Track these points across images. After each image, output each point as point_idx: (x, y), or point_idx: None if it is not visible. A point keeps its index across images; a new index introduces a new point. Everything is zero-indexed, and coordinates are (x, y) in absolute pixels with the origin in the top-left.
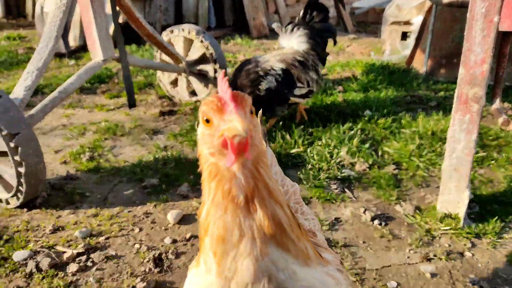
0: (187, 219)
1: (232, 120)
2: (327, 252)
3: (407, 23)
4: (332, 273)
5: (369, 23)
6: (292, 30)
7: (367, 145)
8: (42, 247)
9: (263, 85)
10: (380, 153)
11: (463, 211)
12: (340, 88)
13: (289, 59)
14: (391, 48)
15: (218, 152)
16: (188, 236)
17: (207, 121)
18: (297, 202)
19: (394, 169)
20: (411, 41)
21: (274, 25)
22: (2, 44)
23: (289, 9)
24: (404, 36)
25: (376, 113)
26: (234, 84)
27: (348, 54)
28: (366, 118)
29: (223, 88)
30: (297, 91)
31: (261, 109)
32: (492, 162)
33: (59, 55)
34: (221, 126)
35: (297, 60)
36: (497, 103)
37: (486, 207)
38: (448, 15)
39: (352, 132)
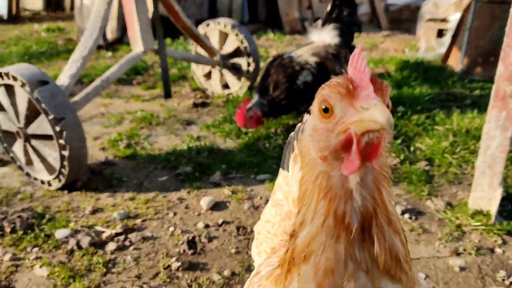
0: (219, 206)
1: (369, 108)
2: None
3: (444, 20)
4: None
5: (404, 21)
6: (323, 24)
7: (399, 141)
8: (82, 226)
9: (301, 79)
10: (412, 149)
11: (495, 208)
12: None
13: (322, 52)
14: (427, 45)
15: (334, 155)
16: (220, 222)
17: (326, 110)
18: None
19: (426, 165)
20: (447, 38)
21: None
22: (42, 36)
23: (322, 4)
24: (440, 33)
25: (409, 109)
26: (267, 79)
27: (382, 51)
28: (399, 114)
29: (359, 66)
30: None
31: (300, 104)
32: None
33: (97, 47)
34: (348, 117)
35: (330, 53)
36: None
37: None
38: (487, 12)
39: None
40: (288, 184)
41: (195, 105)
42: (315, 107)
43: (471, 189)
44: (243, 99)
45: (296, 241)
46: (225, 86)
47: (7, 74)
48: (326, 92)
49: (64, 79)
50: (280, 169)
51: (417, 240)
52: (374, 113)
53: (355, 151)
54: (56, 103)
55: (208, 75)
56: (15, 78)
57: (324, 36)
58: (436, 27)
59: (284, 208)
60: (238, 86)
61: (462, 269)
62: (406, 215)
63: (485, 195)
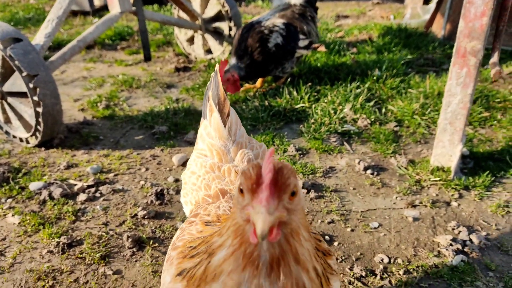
0: None
1: (258, 214)
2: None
3: None
4: None
5: None
6: None
7: (371, 103)
8: (55, 179)
9: (272, 42)
10: (383, 111)
11: (455, 164)
12: (354, 49)
13: (289, 13)
14: (412, 12)
15: (247, 222)
16: None
17: (241, 191)
18: None
19: (395, 126)
20: (432, 5)
21: None
22: (30, 3)
23: None
24: (427, 0)
25: (385, 73)
26: (242, 44)
27: (369, 18)
28: (375, 78)
29: (265, 168)
30: (301, 43)
31: (272, 65)
32: (495, 122)
33: (83, 13)
34: (248, 208)
35: (296, 13)
36: (495, 57)
37: (480, 164)
38: None
39: (359, 90)
40: (209, 134)
41: (177, 69)
42: (236, 185)
43: (433, 146)
44: (221, 61)
45: (213, 259)
46: (208, 51)
47: None
48: (242, 180)
49: (39, 38)
50: (202, 119)
51: (376, 193)
52: (257, 221)
53: (251, 232)
54: (29, 60)
55: (191, 40)
56: None
57: None
58: None
59: (209, 160)
60: (220, 51)
61: (415, 219)
62: (369, 171)
63: (445, 152)
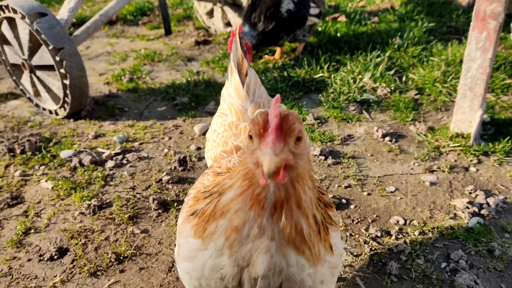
0: None
1: (265, 155)
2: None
3: None
4: (329, 269)
5: None
6: None
7: (391, 72)
8: (85, 148)
9: (284, 8)
10: (404, 79)
11: (474, 129)
12: (376, 18)
13: None
14: None
15: (256, 165)
16: None
17: (250, 137)
18: None
19: (416, 94)
20: None
21: None
22: None
23: None
24: None
25: (406, 42)
26: (255, 11)
27: None
28: (396, 47)
29: (272, 114)
30: (312, 11)
31: (284, 32)
32: None
33: None
34: (257, 152)
35: None
36: None
37: (501, 130)
38: None
39: (379, 59)
40: (229, 94)
41: (197, 42)
42: (247, 132)
43: (453, 113)
44: (236, 27)
45: (222, 198)
46: (228, 24)
47: (7, 7)
48: (250, 127)
49: (63, 13)
50: (226, 81)
51: (393, 159)
52: (264, 161)
53: (262, 174)
54: (54, 33)
55: (210, 13)
56: (15, 11)
57: None
58: None
59: (228, 119)
60: (239, 23)
61: (432, 184)
62: (387, 138)
63: (465, 118)
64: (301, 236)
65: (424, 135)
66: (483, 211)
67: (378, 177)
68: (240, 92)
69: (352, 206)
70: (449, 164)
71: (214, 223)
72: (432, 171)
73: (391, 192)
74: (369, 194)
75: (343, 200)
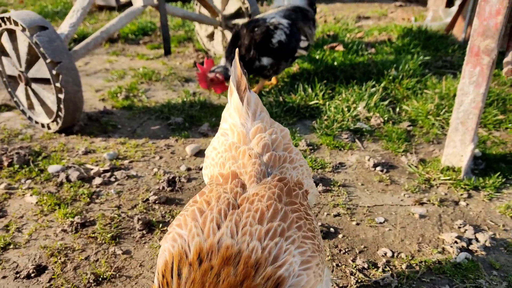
0: (203, 153)
1: None
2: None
3: None
4: None
5: None
6: None
7: (386, 102)
8: (73, 164)
9: (276, 38)
10: (397, 110)
11: (465, 164)
12: (373, 50)
13: (293, 14)
14: (433, 14)
15: None
16: (201, 166)
17: None
18: (286, 148)
19: (409, 126)
20: (454, 8)
21: None
22: None
23: None
24: (450, 3)
25: (402, 73)
26: (237, 43)
27: (390, 20)
28: (391, 78)
29: None
30: (302, 44)
31: (273, 61)
32: (510, 125)
33: (109, 8)
34: None
35: (300, 14)
36: (509, 57)
37: (492, 165)
38: None
39: (374, 89)
40: (231, 115)
41: (196, 64)
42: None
43: (444, 146)
44: (205, 60)
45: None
46: None
47: (8, 19)
48: None
49: (64, 27)
50: (227, 104)
51: (384, 190)
52: None
53: None
54: (53, 47)
55: (211, 36)
56: (16, 23)
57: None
58: None
59: (229, 139)
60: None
61: (422, 216)
62: (378, 168)
63: (457, 151)
64: None
65: (415, 166)
66: (472, 247)
67: (368, 207)
68: (241, 111)
69: (340, 236)
70: (439, 197)
71: None
72: (422, 204)
73: (380, 223)
74: (358, 224)
75: (331, 229)
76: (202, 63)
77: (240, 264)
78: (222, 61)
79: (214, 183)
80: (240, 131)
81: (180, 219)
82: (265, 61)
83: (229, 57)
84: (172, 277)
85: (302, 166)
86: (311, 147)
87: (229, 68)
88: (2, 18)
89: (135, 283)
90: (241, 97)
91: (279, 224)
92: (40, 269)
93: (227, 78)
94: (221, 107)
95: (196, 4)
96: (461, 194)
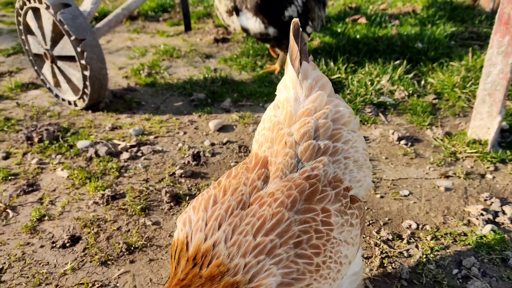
0: (226, 128)
1: None
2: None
3: None
4: None
5: None
6: None
7: (410, 75)
8: (101, 139)
9: (287, 12)
10: (422, 83)
11: (492, 136)
12: (397, 22)
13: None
14: None
15: None
16: (224, 141)
17: None
18: (333, 136)
19: (434, 99)
20: None
21: None
22: None
23: None
24: None
25: (427, 46)
26: (263, 6)
27: None
28: (416, 50)
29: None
30: (308, 29)
31: (280, 37)
32: None
33: None
34: None
35: None
36: None
37: None
38: None
39: (398, 62)
40: (286, 86)
41: (216, 40)
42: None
43: (471, 118)
44: None
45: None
46: None
47: None
48: None
49: (86, 5)
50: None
51: (408, 163)
52: None
53: None
54: (77, 24)
55: (230, 12)
56: (40, 1)
57: None
58: None
59: (278, 115)
60: None
61: (447, 189)
62: (403, 142)
63: (483, 124)
64: None
65: (441, 140)
66: (498, 219)
67: (392, 180)
68: (295, 83)
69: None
70: (465, 170)
71: None
72: (447, 177)
73: (405, 196)
74: (382, 197)
75: None
76: None
77: (221, 283)
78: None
79: (244, 165)
80: (289, 109)
81: (197, 202)
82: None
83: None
84: (174, 258)
85: (348, 159)
86: None
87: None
88: None
89: (166, 252)
90: (296, 68)
91: (271, 239)
92: (74, 239)
93: None
94: (242, 83)
95: None
96: (488, 167)
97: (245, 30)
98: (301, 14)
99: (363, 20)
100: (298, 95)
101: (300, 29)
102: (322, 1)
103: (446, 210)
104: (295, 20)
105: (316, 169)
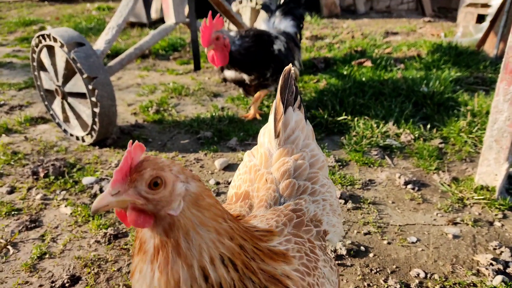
0: (231, 167)
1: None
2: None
3: (485, 5)
4: None
5: (452, 9)
6: (283, 14)
7: (416, 119)
8: (107, 176)
9: (277, 45)
10: (428, 127)
11: (499, 183)
12: (402, 65)
13: (284, 36)
14: (464, 30)
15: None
16: (229, 180)
17: None
18: (311, 178)
19: (440, 143)
20: (485, 24)
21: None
22: (92, 14)
23: None
24: (480, 19)
25: (432, 90)
26: (247, 33)
27: (419, 35)
28: (421, 94)
29: (125, 159)
30: (297, 63)
31: (271, 65)
32: None
33: (140, 25)
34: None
35: (291, 38)
36: None
37: None
38: None
39: (404, 105)
40: (264, 134)
41: (225, 79)
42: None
43: (478, 164)
44: (217, 16)
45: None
46: None
47: (48, 36)
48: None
49: (100, 44)
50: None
51: (416, 208)
52: (96, 200)
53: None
54: (90, 63)
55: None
56: (55, 39)
57: (283, 25)
58: (476, 12)
59: (253, 160)
60: None
61: (455, 237)
62: (409, 186)
63: (490, 170)
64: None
65: (448, 185)
66: (509, 270)
67: (399, 225)
68: (271, 133)
69: (371, 255)
70: (473, 217)
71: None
72: (455, 223)
73: (412, 242)
74: (389, 243)
75: (362, 248)
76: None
77: None
78: (233, 33)
79: (225, 205)
80: (264, 152)
81: None
82: (265, 60)
83: (241, 35)
84: None
85: (325, 201)
86: (339, 163)
87: (238, 42)
88: (43, 35)
89: None
90: (275, 126)
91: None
92: (74, 279)
93: (230, 51)
94: (248, 122)
95: (226, 21)
96: (496, 215)
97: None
98: (285, 49)
99: (368, 63)
100: (272, 143)
101: (292, 76)
102: (298, 46)
103: (455, 259)
104: (287, 68)
105: (299, 204)
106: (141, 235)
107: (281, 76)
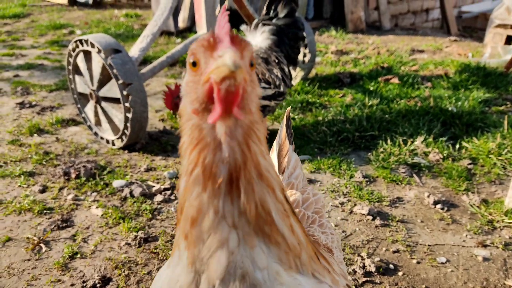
0: None
1: (222, 56)
2: (335, 272)
3: None
4: None
5: (477, 29)
6: (256, 27)
7: (445, 138)
8: (136, 180)
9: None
10: (457, 147)
11: None
12: (429, 84)
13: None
14: (492, 51)
15: (203, 107)
16: None
17: (194, 64)
18: (317, 212)
19: (469, 164)
20: None
21: (242, 27)
22: (121, 21)
23: (390, 6)
24: (509, 40)
25: (461, 110)
26: None
27: (445, 54)
28: (449, 114)
29: (221, 22)
30: (264, 91)
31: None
32: None
33: (168, 34)
34: (210, 66)
35: (260, 57)
36: None
37: None
38: None
39: (432, 124)
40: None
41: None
42: (187, 62)
43: (509, 187)
44: (175, 84)
45: (178, 193)
46: None
47: (86, 41)
48: (193, 47)
49: (134, 51)
50: None
51: (445, 229)
52: (225, 57)
53: (216, 99)
54: (125, 69)
55: None
56: (92, 45)
57: (257, 39)
58: (506, 33)
59: None
60: (294, 74)
61: (485, 259)
62: (438, 206)
63: None
64: (270, 218)
65: (477, 207)
66: None
67: (429, 245)
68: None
69: (400, 273)
70: (504, 240)
71: (178, 228)
72: (485, 246)
73: (442, 263)
74: (418, 263)
75: (391, 266)
76: (172, 87)
77: None
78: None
79: None
80: None
81: None
82: None
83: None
84: None
85: (333, 235)
86: (367, 179)
87: None
88: (80, 40)
89: None
90: (280, 162)
91: None
92: (105, 280)
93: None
94: (274, 134)
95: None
96: None
97: None
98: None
99: (395, 80)
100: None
101: (290, 118)
102: (273, 61)
103: (485, 282)
104: (288, 110)
105: (311, 231)
106: (208, 162)
107: (284, 116)
